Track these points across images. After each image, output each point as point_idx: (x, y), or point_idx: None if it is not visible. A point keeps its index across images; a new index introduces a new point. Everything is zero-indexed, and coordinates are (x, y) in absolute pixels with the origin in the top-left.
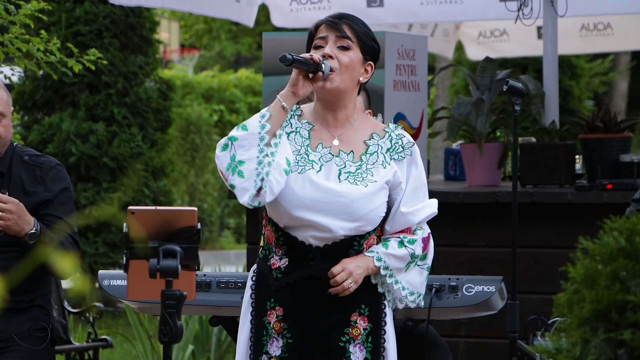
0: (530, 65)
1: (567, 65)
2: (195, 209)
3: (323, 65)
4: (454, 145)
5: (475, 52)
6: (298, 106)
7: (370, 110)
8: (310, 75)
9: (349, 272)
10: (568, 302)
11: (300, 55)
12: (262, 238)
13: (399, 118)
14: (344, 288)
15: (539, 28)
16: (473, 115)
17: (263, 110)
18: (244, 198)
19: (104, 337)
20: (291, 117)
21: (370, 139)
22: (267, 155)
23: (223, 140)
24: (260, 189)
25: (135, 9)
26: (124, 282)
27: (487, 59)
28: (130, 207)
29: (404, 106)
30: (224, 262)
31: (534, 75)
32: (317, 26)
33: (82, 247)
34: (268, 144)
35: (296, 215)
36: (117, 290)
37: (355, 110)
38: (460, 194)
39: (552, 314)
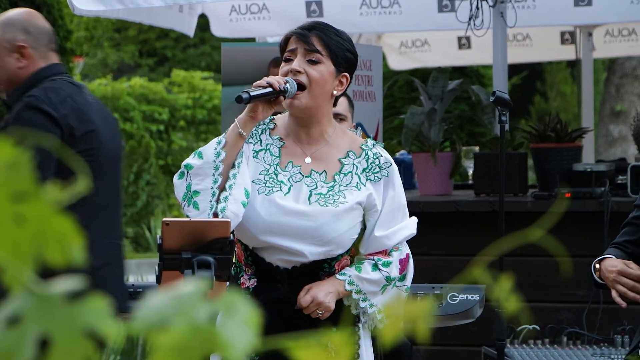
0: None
1: (475, 74)
2: (229, 220)
3: (288, 85)
4: (398, 155)
5: (397, 62)
6: (272, 118)
7: (354, 124)
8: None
9: (317, 303)
10: None
11: (259, 85)
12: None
13: None
14: (313, 317)
15: (459, 38)
16: (425, 125)
17: (220, 136)
18: None
19: None
20: (262, 133)
21: (345, 157)
22: (224, 189)
23: (182, 167)
24: None
25: (49, 17)
26: None
27: (439, 70)
28: (164, 219)
29: (362, 116)
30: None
31: None
32: (287, 38)
33: None
34: (224, 174)
35: (263, 240)
36: None
37: (330, 124)
38: (421, 203)
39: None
